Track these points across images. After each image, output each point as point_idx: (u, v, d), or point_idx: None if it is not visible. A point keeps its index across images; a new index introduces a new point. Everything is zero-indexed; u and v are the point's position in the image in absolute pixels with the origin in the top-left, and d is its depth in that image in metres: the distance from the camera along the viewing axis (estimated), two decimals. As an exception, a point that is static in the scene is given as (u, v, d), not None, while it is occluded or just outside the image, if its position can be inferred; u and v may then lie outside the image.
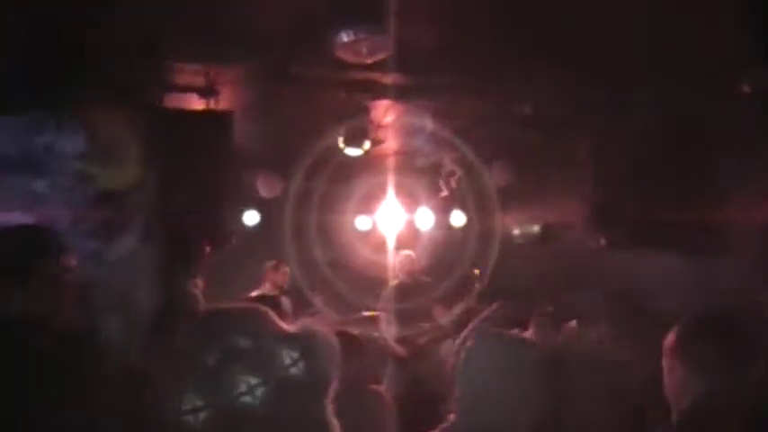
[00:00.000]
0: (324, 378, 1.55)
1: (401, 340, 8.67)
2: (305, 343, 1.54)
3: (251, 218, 9.94)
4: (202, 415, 1.36)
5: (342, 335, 3.93)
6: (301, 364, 1.45)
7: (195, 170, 5.57)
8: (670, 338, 2.59)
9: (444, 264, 9.98)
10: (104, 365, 3.83)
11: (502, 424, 2.39)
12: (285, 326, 1.54)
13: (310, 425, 1.48)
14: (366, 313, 10.17)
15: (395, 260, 9.20)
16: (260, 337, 1.44)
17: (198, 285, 5.14)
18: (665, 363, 2.59)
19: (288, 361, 1.44)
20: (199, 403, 1.37)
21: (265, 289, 8.53)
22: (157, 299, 4.85)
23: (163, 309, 4.57)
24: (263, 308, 1.54)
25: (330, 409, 1.58)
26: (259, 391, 1.38)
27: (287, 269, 8.98)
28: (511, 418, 2.39)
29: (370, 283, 9.68)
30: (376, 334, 8.62)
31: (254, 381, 1.38)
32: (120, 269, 4.83)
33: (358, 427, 2.17)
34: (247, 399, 1.36)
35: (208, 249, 5.29)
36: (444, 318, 8.86)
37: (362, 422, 2.54)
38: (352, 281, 10.34)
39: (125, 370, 3.27)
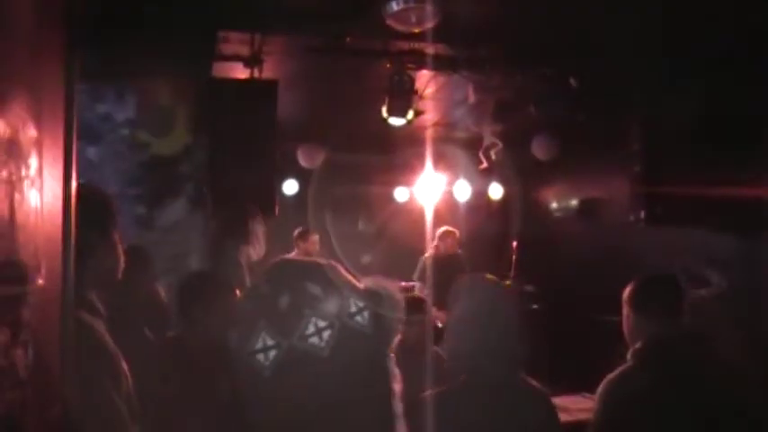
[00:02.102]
0: (387, 329, 1.60)
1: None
2: (372, 295, 1.59)
3: (290, 187, 10.02)
4: (272, 353, 1.42)
5: (408, 296, 4.01)
6: (366, 314, 1.51)
7: (241, 139, 5.63)
8: (627, 292, 3.25)
9: (482, 236, 10.00)
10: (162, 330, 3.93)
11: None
12: (353, 279, 1.59)
13: (371, 369, 1.53)
14: (403, 283, 10.23)
15: (436, 234, 9.21)
16: (329, 285, 1.49)
17: (246, 254, 5.20)
18: (623, 311, 3.25)
19: (353, 309, 1.49)
20: (270, 342, 1.43)
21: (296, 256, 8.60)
22: (207, 266, 4.94)
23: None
24: (334, 262, 1.60)
25: (392, 358, 1.64)
26: (325, 334, 1.43)
27: (315, 237, 9.00)
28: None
29: (408, 253, 9.71)
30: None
31: (321, 323, 1.43)
32: (169, 235, 4.93)
33: (417, 385, 2.22)
34: (314, 340, 1.42)
35: (255, 218, 5.34)
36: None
37: (421, 380, 2.61)
38: (390, 251, 10.39)
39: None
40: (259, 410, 1.50)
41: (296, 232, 8.84)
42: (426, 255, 9.21)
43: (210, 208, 5.30)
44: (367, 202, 11.14)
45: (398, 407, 1.77)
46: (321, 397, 1.45)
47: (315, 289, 1.48)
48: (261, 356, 1.43)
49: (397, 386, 1.78)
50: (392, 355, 1.70)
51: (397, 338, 1.88)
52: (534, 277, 8.58)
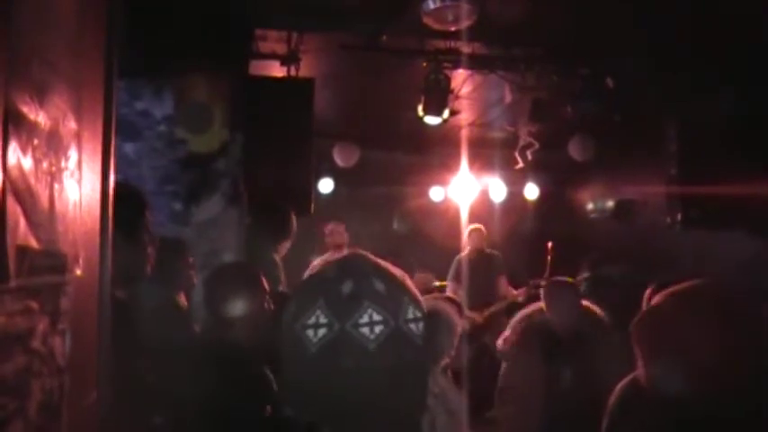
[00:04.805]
0: (437, 347, 1.63)
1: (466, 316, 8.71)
2: (430, 310, 1.62)
3: (325, 186, 10.06)
4: (322, 331, 1.45)
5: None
6: (421, 325, 1.53)
7: (278, 137, 5.68)
8: None
9: (516, 236, 9.98)
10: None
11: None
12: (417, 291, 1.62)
13: (411, 378, 1.55)
14: (436, 283, 10.23)
15: (465, 232, 9.22)
16: (394, 287, 1.52)
17: (282, 252, 5.24)
18: None
19: (410, 316, 1.51)
20: (323, 320, 1.46)
21: (327, 249, 8.62)
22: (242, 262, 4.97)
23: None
24: (401, 270, 1.62)
25: (439, 380, 1.66)
26: (377, 329, 1.45)
27: (342, 229, 9.03)
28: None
29: (442, 253, 9.72)
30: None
31: (376, 317, 1.46)
32: (205, 231, 4.98)
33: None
34: (365, 330, 1.45)
35: (292, 217, 5.38)
36: (510, 292, 8.89)
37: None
38: (424, 250, 10.40)
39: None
40: (297, 385, 1.54)
41: (327, 228, 8.90)
42: (461, 255, 9.21)
43: (247, 205, 5.35)
44: (401, 201, 11.16)
45: (424, 424, 1.79)
46: (355, 388, 1.49)
47: (379, 285, 1.51)
48: (311, 332, 1.47)
49: (433, 402, 1.81)
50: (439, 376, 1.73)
51: (445, 360, 1.90)
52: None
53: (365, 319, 1.44)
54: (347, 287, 1.47)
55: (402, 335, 1.47)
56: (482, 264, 8.97)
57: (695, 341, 2.17)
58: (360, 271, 1.51)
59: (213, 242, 4.98)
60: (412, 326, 1.49)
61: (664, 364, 2.25)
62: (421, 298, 1.60)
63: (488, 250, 9.17)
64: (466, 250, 9.13)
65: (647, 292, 3.77)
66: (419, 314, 1.51)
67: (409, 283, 1.56)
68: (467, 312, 8.58)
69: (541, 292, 5.37)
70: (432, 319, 1.61)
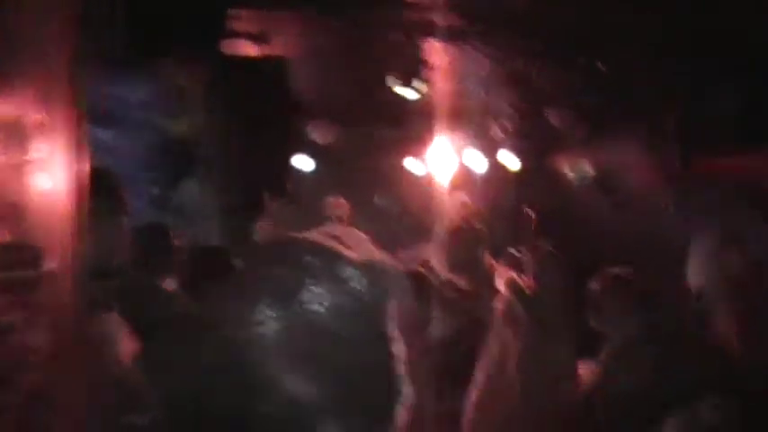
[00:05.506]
0: (385, 299, 1.64)
1: (448, 285, 8.72)
2: (374, 268, 1.63)
3: (305, 163, 9.99)
4: (273, 323, 1.46)
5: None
6: (364, 281, 1.54)
7: (253, 117, 5.64)
8: None
9: (497, 207, 9.97)
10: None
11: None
12: (355, 254, 1.62)
13: (369, 334, 1.57)
14: (416, 256, 10.22)
15: (448, 204, 9.20)
16: (330, 257, 1.53)
17: (260, 232, 5.23)
18: None
19: (351, 276, 1.53)
20: (269, 313, 1.46)
21: (334, 224, 8.61)
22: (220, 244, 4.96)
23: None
24: (350, 228, 1.63)
25: (394, 331, 1.68)
26: (324, 300, 1.47)
27: (344, 202, 9.00)
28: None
29: (423, 225, 9.70)
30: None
31: (319, 290, 1.47)
32: (184, 215, 4.96)
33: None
34: (314, 306, 1.46)
35: (267, 196, 5.36)
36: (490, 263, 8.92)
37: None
38: (406, 224, 10.40)
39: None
40: (263, 379, 1.54)
41: (328, 201, 8.86)
42: (444, 227, 9.19)
43: (224, 187, 5.33)
44: (382, 175, 11.11)
45: (400, 368, 1.83)
46: (322, 361, 1.50)
47: (314, 261, 1.52)
48: (262, 328, 1.47)
49: (399, 349, 1.84)
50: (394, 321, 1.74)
51: (397, 311, 1.90)
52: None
53: (309, 296, 1.47)
54: (283, 273, 1.50)
55: (349, 297, 1.50)
56: (467, 237, 8.96)
57: None
58: (292, 254, 1.53)
59: (192, 225, 4.96)
60: (355, 285, 1.54)
61: None
62: (360, 256, 1.63)
63: (474, 224, 9.16)
64: (451, 222, 9.12)
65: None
66: (360, 272, 1.55)
67: (355, 237, 1.58)
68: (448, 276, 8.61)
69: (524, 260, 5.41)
70: (376, 273, 1.63)
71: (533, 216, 8.95)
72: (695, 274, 3.92)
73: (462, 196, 9.07)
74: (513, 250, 8.63)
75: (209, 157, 5.07)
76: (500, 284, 5.64)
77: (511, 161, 10.08)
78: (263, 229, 5.35)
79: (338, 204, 8.62)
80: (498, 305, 5.51)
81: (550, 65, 7.17)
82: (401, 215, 10.58)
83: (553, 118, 8.37)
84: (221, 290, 2.87)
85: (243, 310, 1.59)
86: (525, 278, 5.39)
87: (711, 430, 2.08)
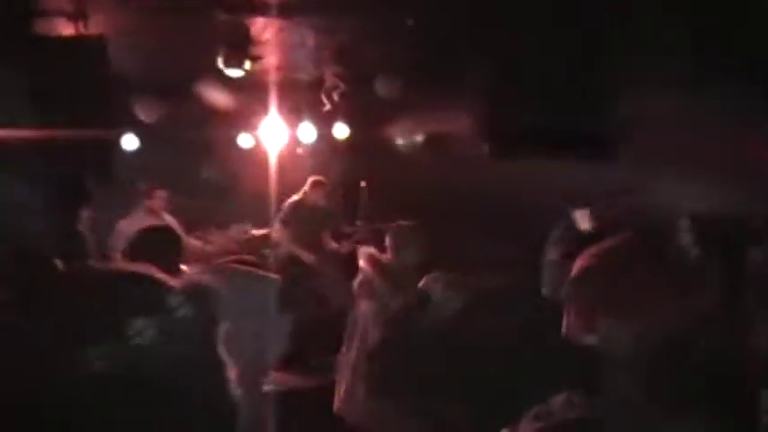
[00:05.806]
0: (210, 320, 1.66)
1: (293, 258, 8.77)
2: (189, 291, 1.62)
3: (130, 143, 9.62)
4: (101, 363, 1.43)
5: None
6: (186, 309, 1.54)
7: (72, 99, 5.34)
8: None
9: (328, 179, 10.00)
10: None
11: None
12: (170, 280, 1.62)
13: (200, 362, 1.58)
14: (255, 232, 10.17)
15: (282, 179, 9.20)
16: (147, 288, 1.52)
17: (87, 221, 5.01)
18: None
19: (174, 305, 1.52)
20: (97, 351, 1.44)
21: (143, 214, 8.35)
22: (46, 237, 4.72)
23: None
24: (147, 270, 1.61)
25: (222, 348, 1.69)
26: (148, 333, 1.47)
27: (162, 193, 8.80)
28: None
29: (256, 200, 9.63)
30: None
31: (141, 323, 1.46)
32: (6, 213, 4.66)
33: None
34: (140, 340, 1.46)
35: (89, 181, 5.12)
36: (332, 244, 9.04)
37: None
38: (237, 198, 10.29)
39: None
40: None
41: (140, 189, 8.59)
42: (291, 200, 9.19)
43: (46, 176, 5.05)
44: (209, 149, 10.91)
45: (237, 392, 1.86)
46: (159, 394, 1.46)
47: (130, 293, 1.49)
48: (97, 364, 1.42)
49: (233, 373, 1.86)
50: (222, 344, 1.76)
51: (223, 325, 1.91)
52: (383, 219, 8.65)
53: (134, 331, 1.46)
54: (102, 311, 1.48)
55: (173, 327, 1.52)
56: (315, 215, 9.03)
57: (638, 298, 2.24)
58: (106, 291, 1.52)
59: (17, 223, 4.67)
60: (179, 313, 1.55)
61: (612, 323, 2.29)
62: (175, 281, 1.64)
63: (324, 205, 9.23)
64: (297, 197, 9.14)
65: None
66: (181, 299, 1.56)
67: (157, 273, 1.58)
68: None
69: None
70: (193, 294, 1.64)
71: (366, 187, 9.08)
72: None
73: (297, 170, 9.09)
74: (357, 223, 8.74)
75: (25, 147, 4.75)
76: (360, 259, 5.66)
77: (340, 130, 10.12)
78: (87, 219, 5.12)
79: (158, 197, 8.42)
80: (356, 280, 5.55)
81: (376, 35, 7.18)
82: (233, 191, 10.47)
83: (380, 87, 8.44)
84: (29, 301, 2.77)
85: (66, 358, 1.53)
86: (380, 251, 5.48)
87: (566, 425, 2.16)
